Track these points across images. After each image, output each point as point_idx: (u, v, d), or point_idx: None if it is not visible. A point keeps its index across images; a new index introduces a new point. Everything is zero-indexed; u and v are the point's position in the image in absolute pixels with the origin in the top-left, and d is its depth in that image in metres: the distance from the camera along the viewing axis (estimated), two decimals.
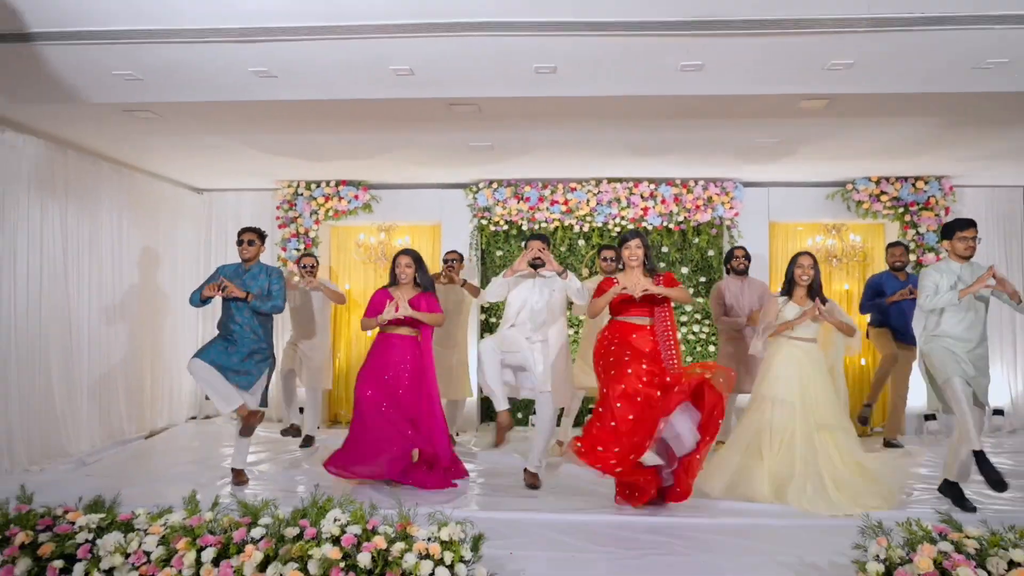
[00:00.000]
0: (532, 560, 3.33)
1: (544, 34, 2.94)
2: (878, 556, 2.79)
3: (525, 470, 4.65)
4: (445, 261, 5.78)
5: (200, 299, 4.56)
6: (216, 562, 2.87)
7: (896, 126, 4.74)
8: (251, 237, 4.66)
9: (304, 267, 5.90)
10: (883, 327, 5.82)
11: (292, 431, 5.78)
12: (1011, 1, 2.74)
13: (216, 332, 4.70)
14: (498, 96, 3.76)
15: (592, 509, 4.11)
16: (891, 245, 5.84)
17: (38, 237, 5.08)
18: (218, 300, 4.62)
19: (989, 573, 2.66)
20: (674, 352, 4.17)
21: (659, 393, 3.99)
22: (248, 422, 4.59)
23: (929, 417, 6.33)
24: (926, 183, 6.47)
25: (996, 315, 6.66)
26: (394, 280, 4.58)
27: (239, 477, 4.68)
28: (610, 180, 6.63)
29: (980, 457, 3.98)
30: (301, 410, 6.66)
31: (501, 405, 4.44)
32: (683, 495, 4.05)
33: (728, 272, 5.75)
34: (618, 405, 3.98)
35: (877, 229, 6.95)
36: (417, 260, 4.58)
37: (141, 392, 6.30)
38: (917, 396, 6.20)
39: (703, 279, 6.70)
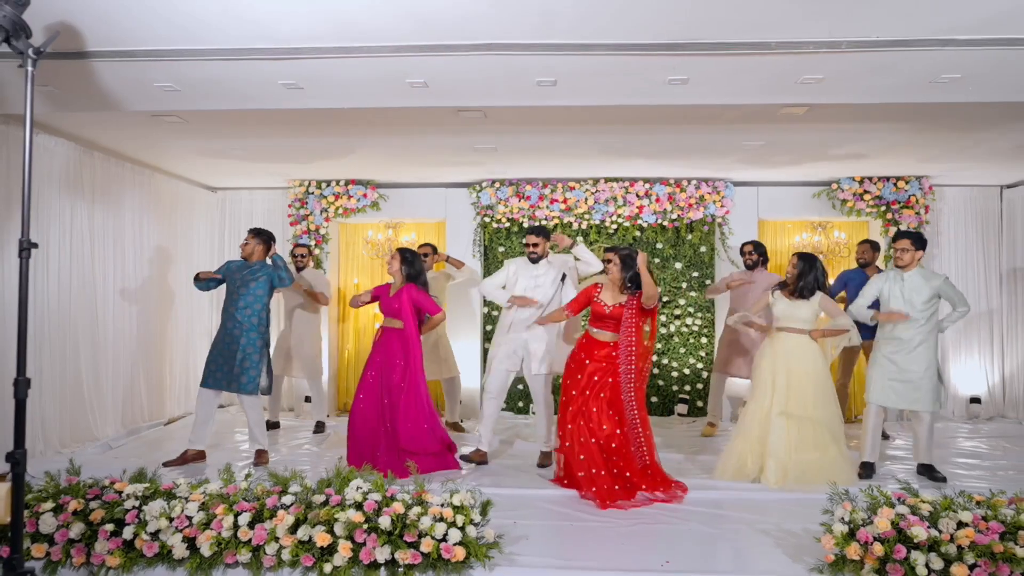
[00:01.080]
0: (534, 528, 3.67)
1: (545, 53, 3.28)
2: (843, 519, 3.13)
3: (541, 452, 5.00)
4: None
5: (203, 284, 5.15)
6: (251, 525, 3.21)
7: (873, 130, 5.08)
8: (246, 238, 5.10)
9: (296, 256, 6.25)
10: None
11: (271, 426, 6.31)
12: (959, 27, 3.09)
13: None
14: (503, 106, 4.09)
15: None
16: (860, 243, 6.19)
17: (68, 234, 5.40)
18: (220, 291, 5.12)
19: (940, 532, 3.00)
20: (634, 369, 4.26)
21: (604, 428, 4.23)
22: (186, 461, 5.01)
23: None
24: (907, 183, 6.80)
25: (975, 309, 7.01)
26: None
27: (261, 457, 5.02)
28: (607, 179, 6.96)
29: (869, 466, 4.68)
30: (307, 399, 7.02)
31: (483, 446, 4.98)
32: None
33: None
34: (573, 450, 4.28)
35: (861, 226, 7.29)
36: (404, 256, 4.81)
37: (160, 381, 6.63)
38: None
39: (695, 274, 7.02)
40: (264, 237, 5.13)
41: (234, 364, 4.93)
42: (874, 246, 6.13)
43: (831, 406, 4.53)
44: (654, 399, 6.97)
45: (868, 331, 6.05)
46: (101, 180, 5.77)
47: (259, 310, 5.03)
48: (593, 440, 4.23)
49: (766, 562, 3.28)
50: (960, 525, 3.02)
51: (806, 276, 4.61)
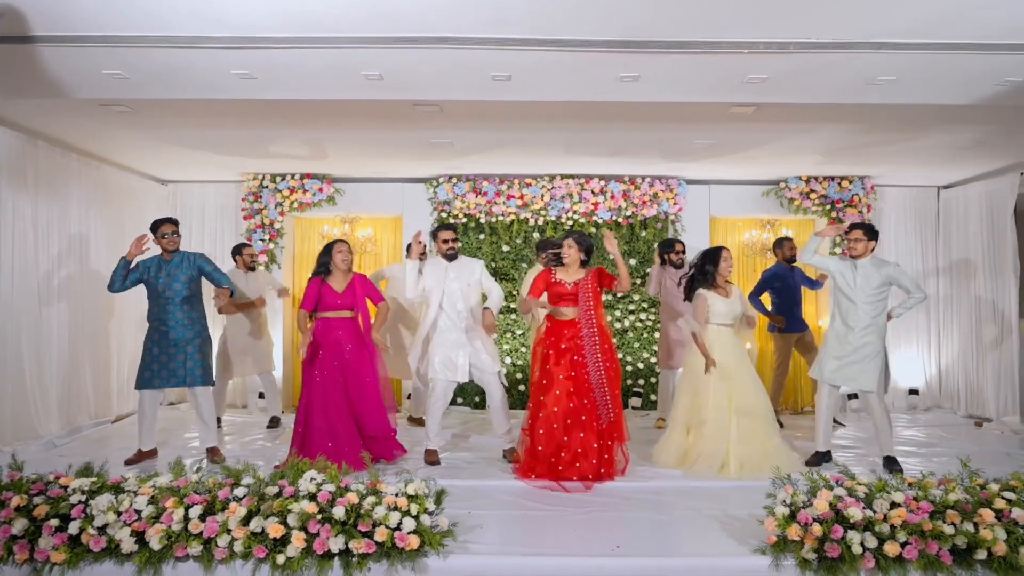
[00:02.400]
0: (488, 517, 3.72)
1: (500, 48, 3.34)
2: (785, 501, 3.26)
3: (503, 449, 4.97)
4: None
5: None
6: (202, 518, 3.17)
7: (818, 131, 5.27)
8: (173, 229, 4.92)
9: (248, 256, 6.14)
10: (783, 332, 6.38)
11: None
12: (894, 31, 3.25)
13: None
14: (458, 99, 4.13)
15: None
16: (785, 240, 6.39)
17: (10, 226, 5.23)
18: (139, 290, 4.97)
19: (875, 512, 3.15)
20: (597, 339, 4.47)
21: (577, 402, 4.41)
22: (140, 460, 4.93)
23: (851, 396, 6.95)
24: (851, 182, 7.06)
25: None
26: (326, 269, 4.73)
27: (216, 455, 4.94)
28: (563, 176, 7.05)
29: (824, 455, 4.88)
30: (261, 396, 6.93)
31: (431, 444, 4.91)
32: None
33: (664, 262, 6.16)
34: (541, 432, 4.41)
35: (808, 224, 7.54)
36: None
37: (107, 378, 6.46)
38: None
39: (649, 270, 7.15)
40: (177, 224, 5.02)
41: (185, 360, 4.83)
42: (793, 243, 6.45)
43: (765, 396, 4.75)
44: None
45: (800, 324, 6.27)
46: (45, 171, 5.60)
47: (197, 301, 4.97)
48: (557, 423, 4.39)
49: (712, 545, 3.39)
50: (893, 505, 3.17)
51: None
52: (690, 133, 5.30)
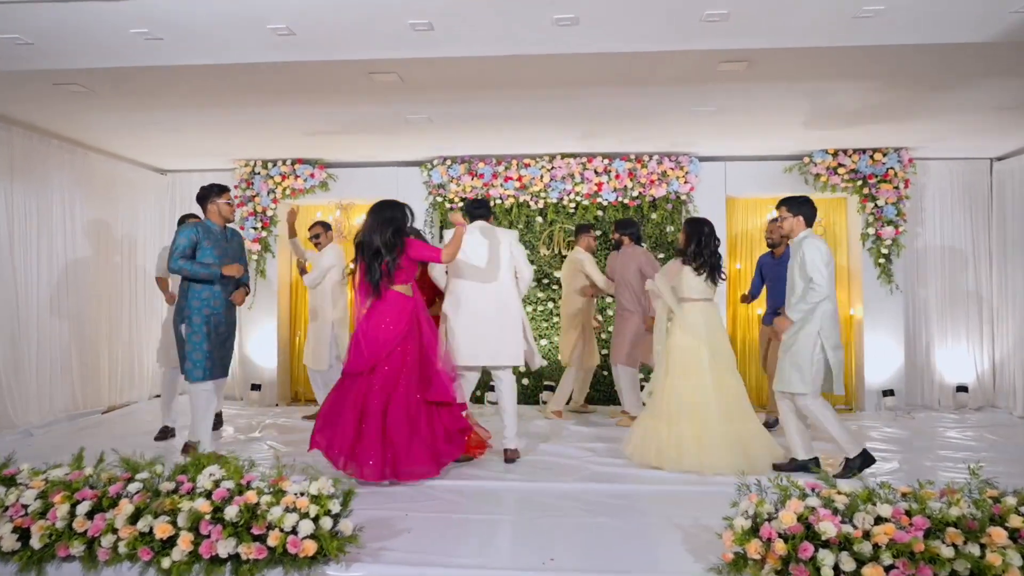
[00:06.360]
0: (424, 520, 3.34)
1: None
2: (747, 512, 2.74)
3: (506, 449, 4.48)
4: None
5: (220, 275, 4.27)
6: (91, 515, 2.90)
7: (830, 93, 4.62)
8: (232, 198, 4.52)
9: (313, 237, 5.83)
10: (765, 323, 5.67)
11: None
12: None
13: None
14: (382, 58, 3.71)
15: (503, 477, 4.14)
16: (770, 222, 5.68)
17: None
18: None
19: (854, 527, 2.60)
20: None
21: None
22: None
23: (887, 393, 6.27)
24: (884, 155, 6.32)
25: (963, 291, 6.56)
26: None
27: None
28: (564, 155, 6.57)
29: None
30: (255, 387, 6.74)
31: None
32: None
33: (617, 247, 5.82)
34: None
35: (838, 203, 6.82)
36: None
37: (97, 368, 6.37)
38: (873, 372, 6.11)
39: (661, 255, 6.60)
40: None
41: (230, 349, 4.45)
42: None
43: (738, 375, 4.32)
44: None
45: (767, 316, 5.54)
46: (21, 158, 5.53)
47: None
48: None
49: (665, 561, 2.91)
50: (878, 520, 2.61)
51: (690, 244, 4.34)
52: (682, 98, 4.72)
